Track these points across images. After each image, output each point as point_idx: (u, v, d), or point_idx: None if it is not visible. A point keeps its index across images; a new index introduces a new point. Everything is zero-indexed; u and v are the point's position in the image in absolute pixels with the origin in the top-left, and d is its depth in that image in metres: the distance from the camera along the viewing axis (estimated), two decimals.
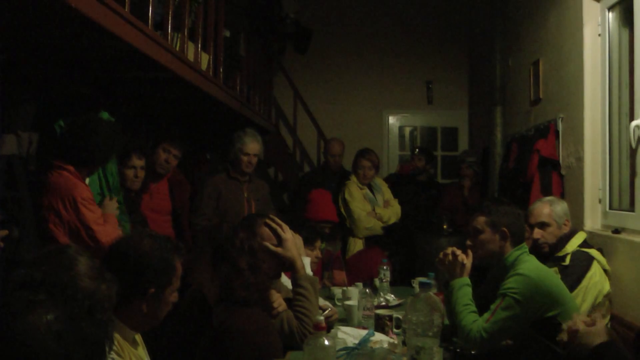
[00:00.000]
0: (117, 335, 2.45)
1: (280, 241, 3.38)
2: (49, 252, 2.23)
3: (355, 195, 6.61)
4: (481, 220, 3.60)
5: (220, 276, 2.95)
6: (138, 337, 2.67)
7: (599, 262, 4.17)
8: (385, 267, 4.93)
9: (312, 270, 4.68)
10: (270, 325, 3.07)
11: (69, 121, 4.07)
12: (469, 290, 3.50)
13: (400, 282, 5.44)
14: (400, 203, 6.98)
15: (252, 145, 5.78)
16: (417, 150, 8.04)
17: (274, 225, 3.44)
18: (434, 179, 8.61)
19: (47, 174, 3.94)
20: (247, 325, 2.85)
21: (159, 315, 2.62)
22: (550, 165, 5.32)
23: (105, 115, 4.23)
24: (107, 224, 4.03)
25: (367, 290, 4.30)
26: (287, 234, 3.45)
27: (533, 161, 5.54)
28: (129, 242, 2.64)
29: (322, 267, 5.43)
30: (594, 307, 4.07)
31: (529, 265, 3.46)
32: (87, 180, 4.20)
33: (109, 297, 2.16)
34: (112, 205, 4.28)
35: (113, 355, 2.38)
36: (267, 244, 3.30)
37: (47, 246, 3.25)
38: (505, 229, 3.54)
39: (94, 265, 2.17)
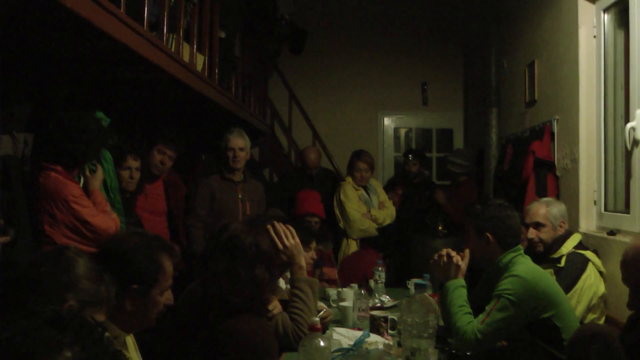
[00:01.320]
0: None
1: (279, 245, 3.40)
2: (48, 253, 2.23)
3: (351, 196, 6.61)
4: (469, 224, 3.62)
5: (218, 279, 2.94)
6: (130, 339, 2.66)
7: (594, 263, 4.17)
8: (380, 269, 4.94)
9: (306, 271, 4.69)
10: (267, 327, 3.07)
11: (55, 120, 4.05)
12: (464, 291, 3.50)
13: (395, 283, 5.44)
14: (394, 204, 7.00)
15: (235, 140, 5.77)
16: (410, 156, 7.99)
17: (272, 231, 3.45)
18: (428, 180, 8.60)
19: (37, 176, 3.92)
20: (244, 327, 2.84)
21: (147, 315, 2.57)
22: (546, 166, 5.33)
23: (100, 115, 4.22)
24: (99, 211, 4.03)
25: (362, 291, 4.30)
26: (290, 240, 3.47)
27: (528, 163, 5.54)
28: (116, 239, 2.64)
29: (314, 265, 5.44)
30: (589, 309, 4.08)
31: (524, 266, 3.46)
32: (82, 181, 4.18)
33: (107, 299, 2.17)
34: (97, 178, 4.25)
35: None
36: (273, 242, 3.33)
37: (45, 247, 3.25)
38: (488, 233, 3.53)
39: (93, 267, 2.17)
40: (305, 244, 4.44)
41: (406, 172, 7.94)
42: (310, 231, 4.99)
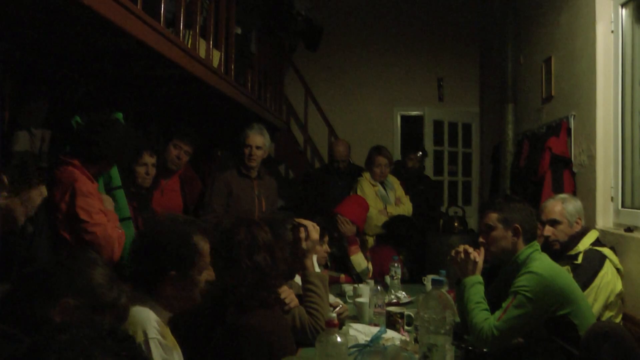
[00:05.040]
0: (157, 318, 2.50)
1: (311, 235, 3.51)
2: (64, 254, 2.27)
3: (368, 192, 6.59)
4: (493, 216, 3.60)
5: (222, 274, 2.96)
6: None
7: (611, 261, 4.15)
8: (396, 265, 4.94)
9: (320, 264, 4.71)
10: (284, 324, 3.09)
11: (89, 117, 4.05)
12: (481, 288, 3.50)
13: (410, 279, 5.44)
14: None
15: (253, 137, 5.68)
16: (420, 153, 7.88)
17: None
18: (422, 174, 8.50)
19: (55, 170, 3.92)
20: (260, 323, 2.85)
21: (190, 296, 2.63)
22: (562, 163, 5.31)
23: (119, 116, 4.22)
24: (108, 219, 3.98)
25: (379, 287, 4.30)
26: (314, 234, 3.57)
27: (545, 159, 5.52)
28: (150, 226, 2.67)
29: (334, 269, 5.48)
30: (606, 306, 4.06)
31: (541, 263, 3.45)
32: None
33: (113, 306, 2.19)
34: (107, 200, 4.22)
35: (157, 335, 2.43)
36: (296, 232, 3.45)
37: (62, 248, 3.26)
38: (517, 225, 3.53)
39: (109, 274, 2.21)
40: (319, 238, 4.47)
41: (407, 168, 7.84)
42: (320, 225, 4.97)
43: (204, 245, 2.65)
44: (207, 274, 2.67)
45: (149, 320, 2.45)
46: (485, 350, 3.28)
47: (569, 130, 5.36)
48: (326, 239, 4.81)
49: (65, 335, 1.49)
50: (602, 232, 4.55)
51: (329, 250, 4.89)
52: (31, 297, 2.07)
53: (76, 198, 3.78)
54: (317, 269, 3.65)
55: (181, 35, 4.52)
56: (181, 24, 4.54)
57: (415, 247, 6.17)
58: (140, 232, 2.68)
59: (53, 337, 1.48)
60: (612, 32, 4.77)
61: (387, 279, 4.99)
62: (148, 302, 2.53)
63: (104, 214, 3.90)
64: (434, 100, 10.31)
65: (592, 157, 4.89)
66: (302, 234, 3.57)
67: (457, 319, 3.45)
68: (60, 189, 3.83)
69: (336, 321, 2.72)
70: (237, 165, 5.77)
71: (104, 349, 1.48)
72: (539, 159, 5.69)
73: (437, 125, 10.23)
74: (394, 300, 4.52)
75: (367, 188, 6.62)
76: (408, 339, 3.42)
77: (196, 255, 2.61)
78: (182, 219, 2.73)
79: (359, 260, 5.48)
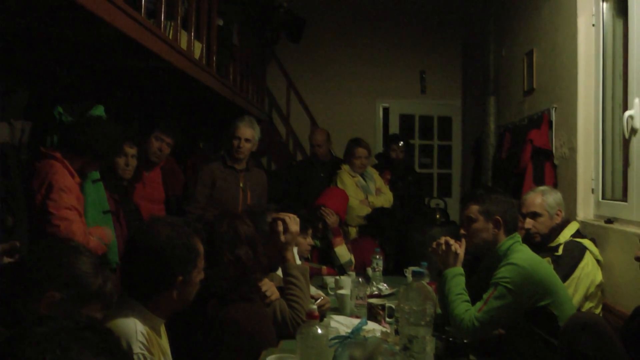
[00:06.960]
0: (146, 328, 2.46)
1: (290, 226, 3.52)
2: (45, 243, 2.24)
3: (348, 183, 6.60)
4: (474, 208, 3.61)
5: (216, 268, 2.95)
6: (162, 328, 2.67)
7: (591, 252, 4.18)
8: (378, 257, 4.94)
9: (304, 257, 4.70)
10: (264, 315, 3.09)
11: (76, 110, 4.00)
12: (462, 279, 3.50)
13: (392, 271, 5.45)
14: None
15: (243, 130, 5.62)
16: (401, 143, 7.89)
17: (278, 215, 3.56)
18: (410, 166, 8.53)
19: (36, 162, 3.87)
20: (241, 315, 2.85)
21: (189, 297, 2.63)
22: (544, 155, 5.33)
23: (100, 109, 4.18)
24: (82, 223, 3.91)
25: (360, 279, 4.30)
26: (293, 226, 3.56)
27: (526, 151, 5.54)
28: (147, 234, 2.60)
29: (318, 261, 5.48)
30: (586, 297, 4.09)
31: (522, 254, 3.47)
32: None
33: (111, 294, 2.18)
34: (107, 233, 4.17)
35: (142, 350, 2.39)
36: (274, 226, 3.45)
37: (47, 240, 3.24)
38: (498, 217, 3.54)
39: (92, 261, 2.19)
40: (303, 230, 4.47)
41: (391, 159, 7.85)
42: (304, 218, 4.96)
43: (201, 247, 2.64)
44: (201, 274, 2.67)
45: (135, 334, 2.39)
46: (465, 341, 3.28)
47: (550, 123, 5.38)
48: (310, 231, 4.81)
49: (42, 327, 1.47)
50: (583, 224, 4.57)
51: (312, 243, 4.89)
52: (15, 293, 2.05)
53: (51, 190, 3.74)
54: (298, 262, 3.64)
55: (162, 26, 4.49)
56: (162, 15, 4.51)
57: (396, 239, 6.19)
58: (138, 241, 2.61)
59: (30, 329, 1.47)
60: (594, 25, 4.78)
61: (369, 270, 5.00)
62: (138, 309, 2.48)
63: (78, 213, 3.86)
64: (416, 93, 10.33)
65: (573, 150, 4.91)
66: (280, 228, 3.56)
67: (438, 311, 3.46)
68: (38, 181, 3.79)
69: (317, 313, 2.72)
70: (223, 156, 5.73)
71: (82, 341, 1.47)
72: (521, 151, 5.72)
73: (420, 118, 10.33)
74: (376, 292, 4.53)
75: (347, 179, 6.63)
76: (389, 331, 3.42)
77: (197, 257, 2.60)
78: (179, 222, 2.69)
79: (343, 252, 5.49)
